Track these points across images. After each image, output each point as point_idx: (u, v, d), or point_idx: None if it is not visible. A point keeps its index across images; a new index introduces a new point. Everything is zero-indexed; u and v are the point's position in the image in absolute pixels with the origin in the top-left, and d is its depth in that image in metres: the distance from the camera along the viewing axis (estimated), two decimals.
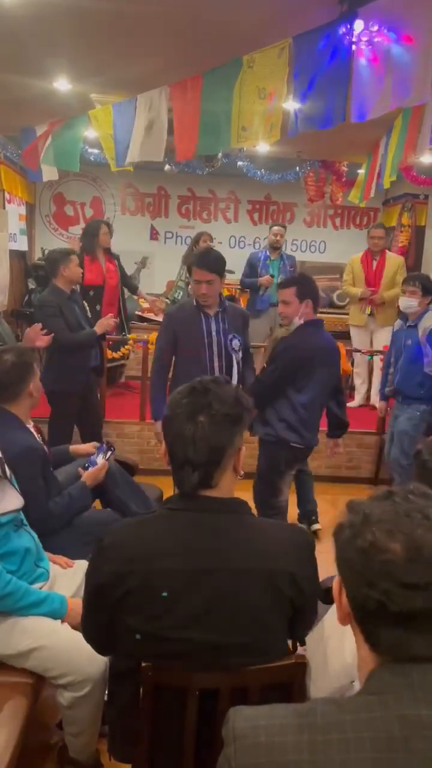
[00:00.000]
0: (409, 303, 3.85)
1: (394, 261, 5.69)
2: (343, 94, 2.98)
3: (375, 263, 5.63)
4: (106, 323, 4.13)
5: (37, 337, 3.69)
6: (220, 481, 1.39)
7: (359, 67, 2.92)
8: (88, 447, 2.97)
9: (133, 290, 5.86)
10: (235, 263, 8.04)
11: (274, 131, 3.35)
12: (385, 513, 0.86)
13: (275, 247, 6.00)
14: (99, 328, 4.08)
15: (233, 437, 1.39)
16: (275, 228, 6.07)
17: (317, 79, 3.03)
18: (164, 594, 1.31)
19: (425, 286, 3.83)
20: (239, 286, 7.76)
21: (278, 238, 6.01)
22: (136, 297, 6.98)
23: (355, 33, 2.85)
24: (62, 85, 4.37)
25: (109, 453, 2.84)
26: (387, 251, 5.84)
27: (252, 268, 6.02)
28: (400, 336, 4.01)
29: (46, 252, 7.75)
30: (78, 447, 3.04)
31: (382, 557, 0.82)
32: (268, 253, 6.05)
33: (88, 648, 1.79)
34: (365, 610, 0.84)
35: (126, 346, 5.45)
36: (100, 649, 1.53)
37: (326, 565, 1.44)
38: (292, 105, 3.31)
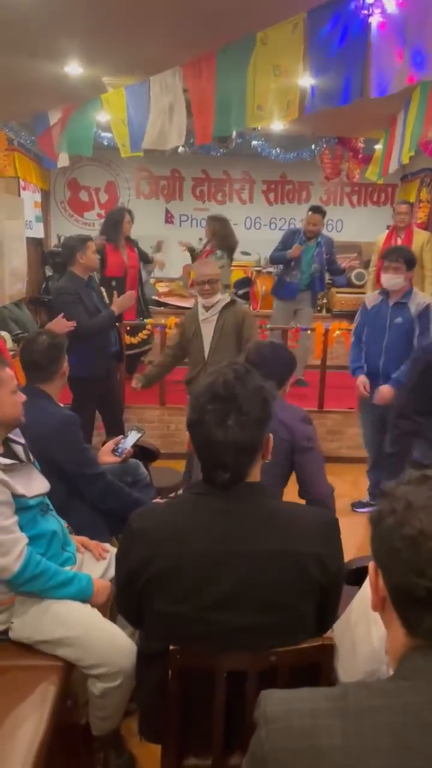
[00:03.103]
0: (394, 280, 3.58)
1: (420, 237, 5.57)
2: (361, 68, 2.92)
3: (400, 240, 5.53)
4: (122, 302, 4.12)
5: (60, 327, 3.68)
6: (250, 473, 1.41)
7: (376, 40, 2.85)
8: (110, 457, 2.84)
9: (147, 260, 5.76)
10: (252, 245, 8.01)
11: (292, 109, 3.30)
12: (429, 499, 0.84)
13: (309, 237, 5.62)
14: (116, 307, 4.07)
15: (263, 434, 1.41)
16: (309, 216, 5.55)
17: (333, 54, 2.96)
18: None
19: (409, 260, 3.59)
20: (258, 267, 7.73)
21: (311, 227, 5.55)
22: (152, 281, 6.95)
23: (371, 5, 2.78)
24: (73, 69, 4.33)
25: (139, 435, 2.88)
26: (414, 227, 5.72)
27: (285, 246, 5.67)
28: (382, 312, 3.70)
29: (63, 239, 7.78)
30: (104, 459, 2.89)
31: (431, 545, 0.81)
32: (303, 237, 5.64)
33: (120, 640, 1.83)
34: (411, 597, 0.83)
35: (144, 331, 5.45)
36: (134, 623, 1.58)
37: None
38: (308, 81, 3.24)
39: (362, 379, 3.81)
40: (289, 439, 2.26)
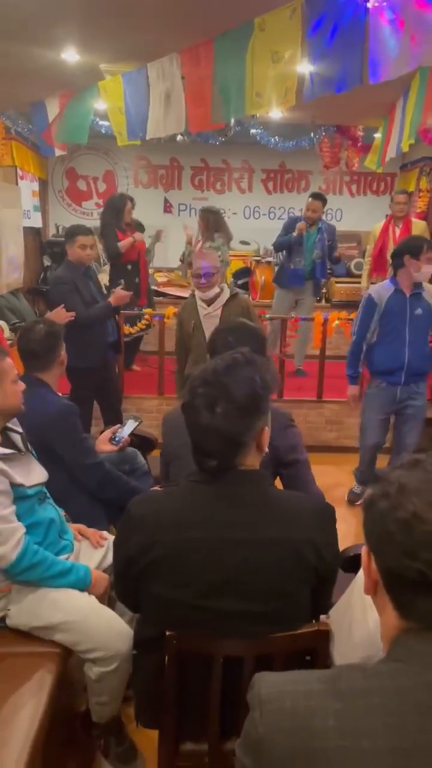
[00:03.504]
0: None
1: (418, 227, 5.56)
2: (359, 54, 2.89)
3: (398, 230, 5.51)
4: (121, 296, 4.11)
5: (60, 317, 3.66)
6: (241, 463, 1.40)
7: (375, 25, 2.83)
8: (108, 446, 2.83)
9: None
10: (251, 234, 7.97)
11: (289, 96, 3.27)
12: (421, 482, 0.84)
13: (309, 223, 5.54)
14: (114, 300, 4.07)
15: (249, 427, 1.38)
16: (309, 202, 5.50)
17: (331, 39, 2.94)
18: None
19: None
20: (257, 257, 7.70)
21: (310, 213, 5.48)
22: (151, 271, 6.95)
23: None
24: (71, 55, 4.29)
25: (136, 424, 2.89)
26: (412, 217, 5.73)
27: (288, 232, 5.59)
28: (401, 304, 3.51)
29: (61, 228, 7.74)
30: (101, 447, 2.88)
31: (424, 528, 0.81)
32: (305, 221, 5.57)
33: (117, 625, 1.84)
34: (404, 580, 0.83)
35: (143, 321, 5.43)
36: (132, 608, 1.59)
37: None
38: (307, 68, 3.22)
39: (354, 393, 3.81)
40: (272, 455, 2.03)
